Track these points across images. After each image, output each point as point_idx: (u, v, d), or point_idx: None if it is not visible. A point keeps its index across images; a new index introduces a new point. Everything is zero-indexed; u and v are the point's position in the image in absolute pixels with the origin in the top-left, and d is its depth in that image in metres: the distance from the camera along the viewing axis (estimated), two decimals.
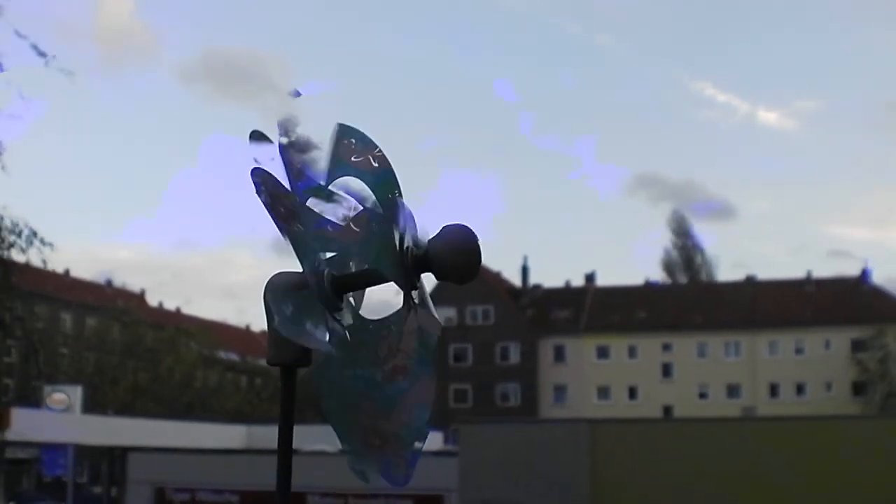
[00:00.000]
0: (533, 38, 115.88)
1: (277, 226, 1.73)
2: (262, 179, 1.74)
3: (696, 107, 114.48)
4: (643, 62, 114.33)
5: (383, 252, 1.82)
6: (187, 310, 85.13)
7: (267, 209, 1.72)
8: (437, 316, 1.95)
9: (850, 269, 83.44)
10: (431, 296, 1.97)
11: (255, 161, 1.78)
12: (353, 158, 1.91)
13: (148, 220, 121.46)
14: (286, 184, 1.82)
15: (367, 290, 1.97)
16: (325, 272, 1.82)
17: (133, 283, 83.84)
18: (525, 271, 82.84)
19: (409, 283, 1.86)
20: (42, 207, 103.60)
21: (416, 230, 1.91)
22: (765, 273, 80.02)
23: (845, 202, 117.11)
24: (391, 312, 1.90)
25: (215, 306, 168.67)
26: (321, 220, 1.84)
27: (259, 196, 1.73)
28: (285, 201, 1.77)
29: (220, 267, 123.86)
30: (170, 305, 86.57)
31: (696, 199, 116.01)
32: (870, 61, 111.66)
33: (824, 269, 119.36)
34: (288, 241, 1.73)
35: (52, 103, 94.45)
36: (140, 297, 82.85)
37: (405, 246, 1.86)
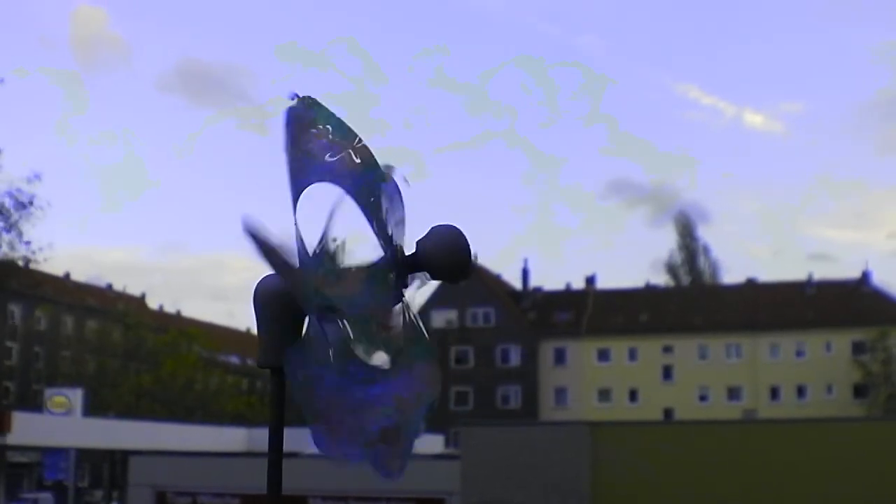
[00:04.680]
0: (514, 40, 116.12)
1: (277, 273, 1.76)
2: (254, 233, 1.76)
3: (682, 109, 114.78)
4: (627, 64, 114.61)
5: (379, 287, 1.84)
6: (187, 312, 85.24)
7: (265, 260, 1.75)
8: (438, 374, 1.96)
9: (831, 272, 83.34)
10: (432, 298, 1.97)
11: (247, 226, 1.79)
12: (327, 157, 1.88)
13: (138, 222, 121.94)
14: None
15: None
16: (318, 270, 1.82)
17: (120, 285, 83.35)
18: (526, 274, 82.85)
19: (400, 284, 1.86)
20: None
21: (403, 214, 1.90)
22: (742, 275, 79.91)
23: (826, 205, 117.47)
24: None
25: (206, 308, 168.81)
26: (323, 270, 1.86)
27: (255, 247, 1.75)
28: (278, 252, 1.78)
29: (211, 269, 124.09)
30: (161, 308, 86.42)
31: (678, 201, 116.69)
32: (848, 63, 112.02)
33: (804, 272, 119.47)
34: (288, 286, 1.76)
35: (40, 106, 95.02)
36: (140, 301, 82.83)
37: (393, 242, 1.86)
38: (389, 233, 1.85)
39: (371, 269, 1.83)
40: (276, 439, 1.73)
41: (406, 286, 1.89)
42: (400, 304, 1.88)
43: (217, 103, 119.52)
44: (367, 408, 1.82)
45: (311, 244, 1.84)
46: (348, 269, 1.83)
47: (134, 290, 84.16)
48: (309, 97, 1.91)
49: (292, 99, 1.92)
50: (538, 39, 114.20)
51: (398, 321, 1.89)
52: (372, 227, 1.86)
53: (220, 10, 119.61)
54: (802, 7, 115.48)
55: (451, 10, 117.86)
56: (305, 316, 1.81)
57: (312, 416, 1.74)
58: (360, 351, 1.86)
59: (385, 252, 1.84)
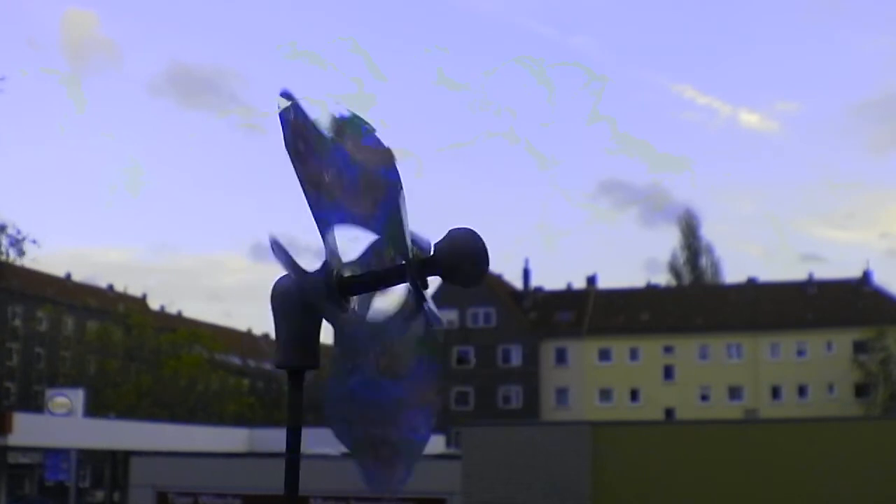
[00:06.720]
0: (513, 41, 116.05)
1: (294, 167, 1.76)
2: (289, 111, 1.76)
3: (678, 109, 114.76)
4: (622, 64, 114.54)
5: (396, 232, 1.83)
6: (184, 312, 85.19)
7: (286, 145, 1.75)
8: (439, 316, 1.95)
9: (826, 272, 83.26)
10: (434, 298, 1.97)
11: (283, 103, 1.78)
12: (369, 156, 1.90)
13: (134, 223, 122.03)
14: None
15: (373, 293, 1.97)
16: (334, 272, 1.82)
17: (116, 284, 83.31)
18: (526, 274, 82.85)
19: (421, 283, 1.87)
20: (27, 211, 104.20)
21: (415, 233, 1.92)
22: (736, 274, 79.85)
23: (821, 205, 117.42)
24: (391, 314, 1.91)
25: (202, 309, 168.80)
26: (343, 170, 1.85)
27: (282, 128, 1.75)
28: (307, 136, 1.78)
29: (207, 270, 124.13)
30: (163, 309, 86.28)
31: (676, 201, 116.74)
32: (844, 63, 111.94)
33: (798, 272, 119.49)
34: (302, 186, 1.76)
35: (35, 109, 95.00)
36: (142, 302, 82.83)
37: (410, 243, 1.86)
38: (409, 236, 1.85)
39: (396, 271, 1.83)
40: (293, 440, 1.73)
41: (427, 287, 1.88)
42: (417, 308, 1.88)
43: (210, 105, 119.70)
44: (386, 416, 1.83)
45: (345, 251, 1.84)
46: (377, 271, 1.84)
47: (131, 289, 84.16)
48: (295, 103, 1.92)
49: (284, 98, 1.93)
50: (535, 40, 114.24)
51: (416, 324, 1.89)
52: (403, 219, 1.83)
53: (210, 12, 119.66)
54: (798, 7, 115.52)
55: (451, 10, 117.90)
56: (322, 317, 1.80)
57: (342, 424, 1.75)
58: (375, 355, 1.86)
59: (413, 251, 1.84)
